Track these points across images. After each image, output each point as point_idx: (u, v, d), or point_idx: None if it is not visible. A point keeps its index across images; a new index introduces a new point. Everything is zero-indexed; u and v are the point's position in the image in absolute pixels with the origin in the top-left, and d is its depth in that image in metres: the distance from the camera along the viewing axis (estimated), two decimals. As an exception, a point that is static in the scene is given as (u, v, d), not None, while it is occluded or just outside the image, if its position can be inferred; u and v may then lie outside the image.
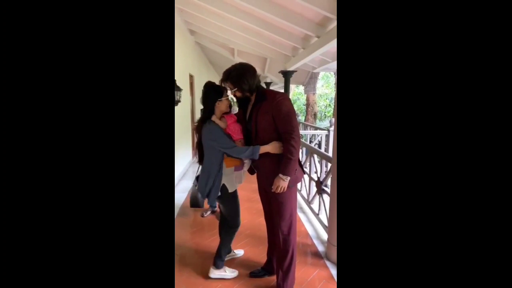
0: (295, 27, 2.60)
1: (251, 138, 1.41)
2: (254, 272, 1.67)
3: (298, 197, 3.04)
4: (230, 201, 1.53)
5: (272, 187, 1.33)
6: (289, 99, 1.37)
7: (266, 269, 1.67)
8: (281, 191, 1.33)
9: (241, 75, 1.33)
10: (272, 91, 1.40)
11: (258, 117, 1.35)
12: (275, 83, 6.70)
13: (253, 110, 1.39)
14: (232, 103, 1.51)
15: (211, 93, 1.40)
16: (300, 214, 2.60)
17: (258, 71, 5.84)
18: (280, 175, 1.31)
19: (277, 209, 1.40)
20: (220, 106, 1.42)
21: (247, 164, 1.52)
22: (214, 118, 1.42)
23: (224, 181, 1.48)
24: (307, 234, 2.22)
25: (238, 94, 1.38)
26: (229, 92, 1.42)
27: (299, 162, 1.40)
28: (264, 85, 6.87)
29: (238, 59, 5.11)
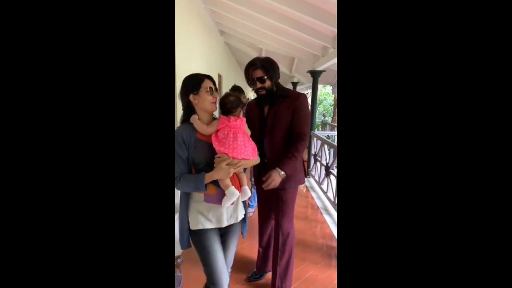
0: (326, 26, 2.56)
1: (264, 134, 1.34)
2: (253, 276, 1.66)
3: (324, 198, 2.99)
4: (196, 243, 1.07)
5: (264, 178, 1.27)
6: (307, 99, 1.39)
7: (260, 270, 1.67)
8: (272, 187, 1.27)
9: (273, 63, 1.30)
10: (293, 90, 1.41)
11: (278, 112, 1.31)
12: (302, 83, 6.62)
13: (273, 106, 1.34)
14: (235, 99, 1.08)
15: (185, 86, 1.02)
16: (325, 216, 2.56)
17: (285, 71, 5.84)
18: (278, 169, 1.26)
19: (280, 209, 1.38)
20: (200, 102, 1.00)
21: (228, 198, 1.01)
22: (193, 117, 1.02)
23: (189, 210, 1.05)
24: (333, 236, 2.18)
25: (268, 84, 1.28)
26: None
27: (303, 164, 1.41)
28: (290, 85, 6.84)
29: (265, 59, 5.13)
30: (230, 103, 1.07)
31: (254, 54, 4.95)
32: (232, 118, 1.05)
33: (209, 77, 1.04)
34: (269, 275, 1.65)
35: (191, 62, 2.71)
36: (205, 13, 3.24)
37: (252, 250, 1.88)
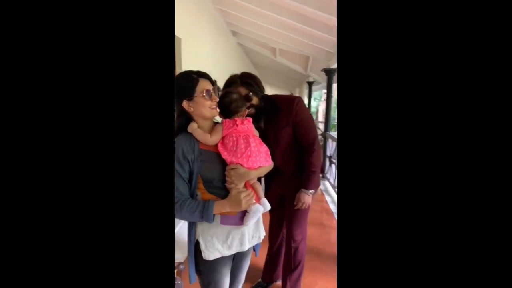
0: (340, 21, 2.43)
1: (268, 147, 1.28)
2: (258, 285, 1.57)
3: (331, 204, 2.85)
4: (204, 273, 0.88)
5: (295, 203, 1.24)
6: (303, 101, 1.24)
7: (267, 280, 1.57)
8: (306, 207, 1.24)
9: (253, 77, 1.14)
10: (281, 97, 1.24)
11: (277, 131, 1.19)
12: (318, 82, 6.45)
13: (269, 120, 1.21)
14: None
15: (176, 90, 0.80)
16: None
17: (301, 70, 5.69)
18: (304, 190, 1.21)
19: (293, 216, 1.30)
20: (196, 110, 0.82)
21: (251, 215, 0.84)
22: (192, 127, 0.83)
23: (200, 235, 0.84)
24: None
25: (255, 101, 1.11)
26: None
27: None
28: (306, 85, 6.68)
29: (280, 59, 5.05)
30: (234, 102, 0.89)
31: (267, 54, 4.88)
32: (238, 120, 0.88)
33: (205, 76, 0.85)
34: (275, 285, 1.56)
35: (202, 65, 2.68)
36: (215, 13, 3.22)
37: (259, 256, 1.80)
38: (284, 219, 1.40)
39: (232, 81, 1.11)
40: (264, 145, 0.93)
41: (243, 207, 0.82)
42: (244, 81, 1.10)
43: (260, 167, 0.88)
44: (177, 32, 1.93)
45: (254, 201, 0.86)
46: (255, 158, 0.86)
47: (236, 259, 0.96)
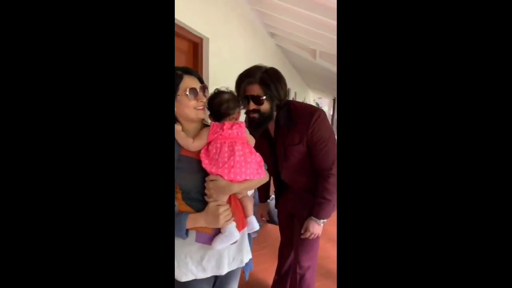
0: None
1: (274, 173, 1.09)
2: None
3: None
4: None
5: (302, 231, 1.06)
6: (326, 116, 0.99)
7: None
8: (313, 237, 1.06)
9: (278, 77, 0.93)
10: (301, 106, 1.01)
11: (287, 147, 1.00)
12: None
13: (278, 136, 1.02)
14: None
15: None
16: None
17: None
18: (313, 218, 1.03)
19: (302, 241, 1.12)
20: (179, 109, 0.74)
21: (222, 239, 0.74)
22: (176, 129, 0.76)
23: (176, 251, 0.75)
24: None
25: (265, 107, 0.93)
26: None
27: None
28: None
29: (320, 61, 4.78)
30: (225, 104, 0.78)
31: (307, 56, 4.66)
32: (226, 124, 0.77)
33: (191, 73, 0.76)
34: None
35: (237, 67, 2.61)
36: (250, 14, 3.15)
37: (267, 272, 1.65)
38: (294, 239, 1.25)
39: (251, 74, 0.93)
40: (257, 154, 0.79)
41: (220, 223, 0.71)
42: (264, 79, 0.91)
43: (246, 180, 0.75)
44: (204, 32, 1.89)
45: (233, 218, 0.75)
46: (240, 169, 0.73)
47: (219, 282, 0.85)
